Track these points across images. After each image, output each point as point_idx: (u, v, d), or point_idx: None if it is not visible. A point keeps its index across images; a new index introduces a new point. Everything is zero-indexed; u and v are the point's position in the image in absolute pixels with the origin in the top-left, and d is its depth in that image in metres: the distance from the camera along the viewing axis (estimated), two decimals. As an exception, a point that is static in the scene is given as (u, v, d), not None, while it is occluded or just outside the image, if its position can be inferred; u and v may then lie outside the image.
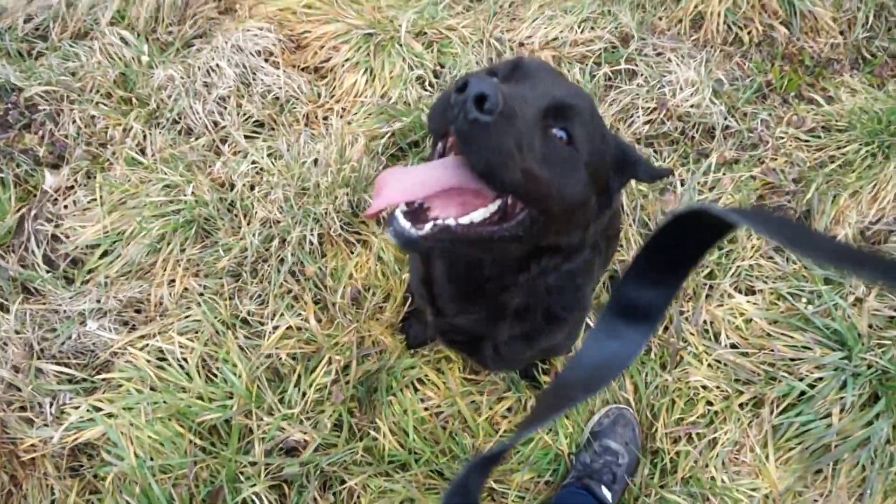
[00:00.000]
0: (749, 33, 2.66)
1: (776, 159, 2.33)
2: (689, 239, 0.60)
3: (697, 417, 1.90)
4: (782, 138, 2.37)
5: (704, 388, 1.93)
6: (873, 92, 2.54)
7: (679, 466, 1.84)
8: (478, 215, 0.88)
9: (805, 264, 2.12)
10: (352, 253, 2.13)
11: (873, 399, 1.91)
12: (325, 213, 2.09)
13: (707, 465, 1.84)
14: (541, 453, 1.85)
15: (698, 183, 2.26)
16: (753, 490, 1.83)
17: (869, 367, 1.94)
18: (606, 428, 1.87)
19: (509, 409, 1.90)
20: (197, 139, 2.33)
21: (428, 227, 0.84)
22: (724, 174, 2.28)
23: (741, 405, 1.93)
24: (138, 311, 2.04)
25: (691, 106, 2.40)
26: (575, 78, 2.45)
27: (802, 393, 1.91)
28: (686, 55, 2.54)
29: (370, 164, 2.19)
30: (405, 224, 0.83)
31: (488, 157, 0.80)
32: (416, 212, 0.85)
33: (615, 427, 1.86)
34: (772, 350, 1.98)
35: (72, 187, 2.27)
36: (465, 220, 0.87)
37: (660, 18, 2.69)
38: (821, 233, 0.49)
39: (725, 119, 2.39)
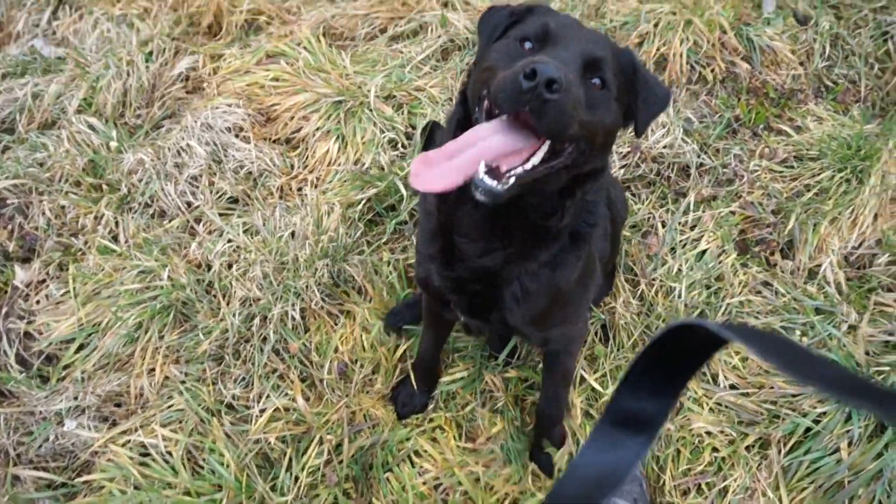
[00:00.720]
0: (712, 71, 2.76)
1: (753, 192, 2.39)
2: (684, 351, 0.61)
3: (705, 466, 1.88)
4: (756, 171, 2.44)
5: (708, 433, 1.92)
6: (839, 118, 2.64)
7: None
8: (536, 158, 1.11)
9: (795, 297, 2.15)
10: (336, 325, 2.12)
11: (880, 429, 1.91)
12: (306, 287, 2.10)
13: (720, 516, 1.81)
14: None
15: (679, 223, 2.30)
16: (771, 538, 1.80)
17: (871, 396, 1.94)
18: None
19: (508, 480, 1.86)
20: (170, 221, 2.35)
21: (511, 180, 1.06)
22: (703, 211, 2.33)
23: (748, 448, 1.91)
24: (118, 405, 2.00)
25: (664, 147, 2.47)
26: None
27: (808, 429, 1.91)
28: (653, 97, 2.62)
29: (348, 231, 2.21)
30: (491, 183, 1.04)
31: (556, 123, 1.04)
32: (493, 170, 1.05)
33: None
34: (772, 387, 1.98)
35: (43, 281, 2.26)
36: (528, 166, 1.10)
37: (623, 63, 2.79)
38: (820, 356, 0.49)
39: (699, 157, 2.47)
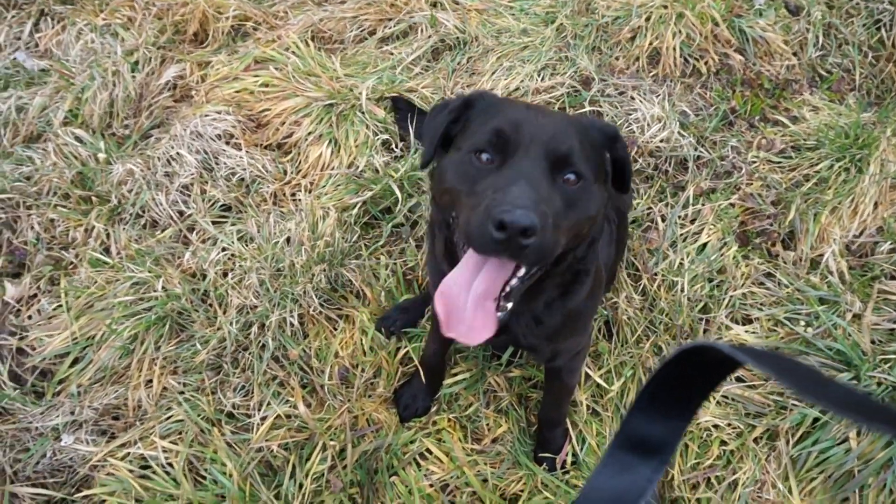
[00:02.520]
0: (706, 63, 2.86)
1: (752, 184, 2.47)
2: (697, 373, 0.62)
3: (714, 460, 1.94)
4: (754, 162, 2.53)
5: (716, 427, 1.98)
6: (835, 107, 2.73)
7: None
8: (522, 270, 1.21)
9: (798, 287, 2.22)
10: (335, 330, 2.18)
11: (888, 417, 1.98)
12: (304, 293, 2.15)
13: (731, 509, 1.87)
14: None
15: (679, 217, 2.38)
16: (782, 529, 1.86)
17: (879, 384, 2.01)
18: None
19: (517, 481, 1.92)
20: (163, 231, 2.40)
21: (510, 305, 1.21)
22: (702, 205, 2.41)
23: (756, 440, 1.98)
24: (116, 419, 2.04)
25: (661, 141, 2.55)
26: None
27: (816, 419, 1.97)
28: (648, 91, 2.72)
29: (344, 236, 2.27)
30: (498, 314, 1.19)
31: (539, 257, 1.10)
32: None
33: (630, 480, 1.89)
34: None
35: (35, 296, 2.30)
36: (520, 274, 1.20)
37: (617, 58, 2.89)
38: (833, 380, 0.51)
39: (696, 150, 2.55)
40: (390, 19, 3.08)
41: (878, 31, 2.97)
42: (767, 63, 2.91)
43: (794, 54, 2.95)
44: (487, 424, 2.02)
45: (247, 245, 2.29)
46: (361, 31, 3.09)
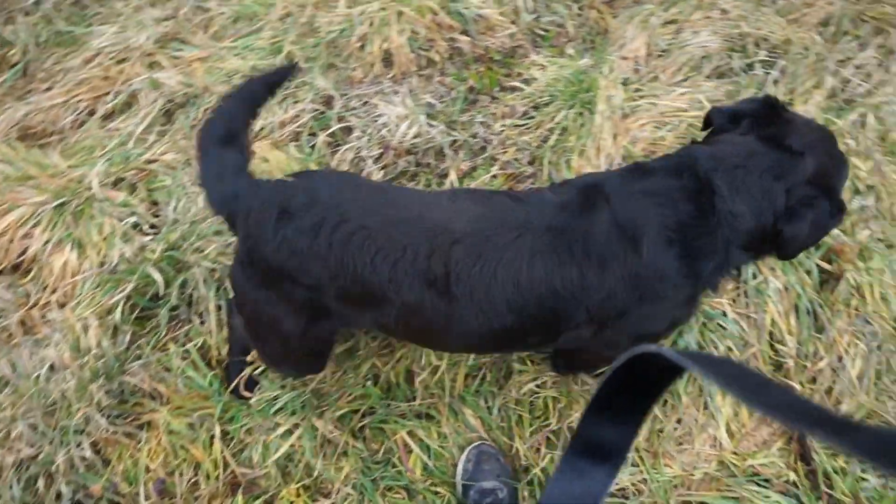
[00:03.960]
0: (437, 52, 3.02)
1: (507, 151, 2.66)
2: (646, 378, 0.65)
3: (546, 418, 2.06)
4: (502, 131, 2.72)
5: (539, 387, 2.11)
6: (558, 61, 3.02)
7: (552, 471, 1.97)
8: None
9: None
10: (139, 443, 2.01)
11: None
12: (87, 420, 1.96)
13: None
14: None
15: (451, 203, 2.49)
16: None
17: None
18: (473, 471, 1.95)
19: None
20: None
21: None
22: (469, 184, 2.55)
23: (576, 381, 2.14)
24: None
25: (414, 137, 2.65)
26: (293, 155, 2.59)
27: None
28: (390, 93, 2.81)
29: (114, 341, 2.10)
30: None
31: None
32: None
33: (481, 466, 1.96)
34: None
35: None
36: None
37: (354, 70, 2.95)
38: (777, 384, 0.53)
39: (448, 136, 2.69)
40: (107, 93, 2.89)
41: (572, -17, 3.33)
42: (491, 37, 3.14)
43: (512, 22, 3.21)
44: (329, 477, 1.98)
45: (3, 390, 2.03)
46: (78, 114, 2.87)
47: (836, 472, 2.07)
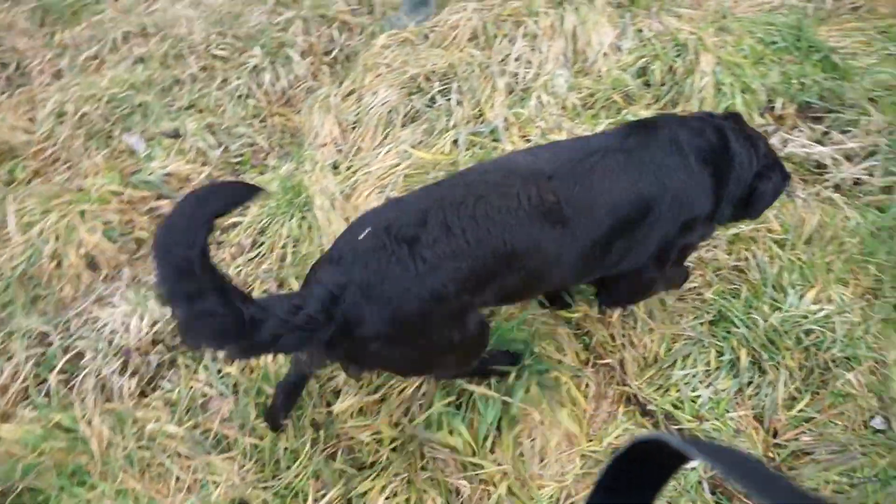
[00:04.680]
0: (141, 228, 2.86)
1: (253, 289, 2.56)
2: (652, 464, 0.65)
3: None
4: (240, 271, 2.63)
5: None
6: (263, 179, 3.01)
7: None
8: None
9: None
10: None
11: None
12: None
13: None
14: None
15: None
16: None
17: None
18: None
19: None
20: None
21: None
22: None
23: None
24: None
25: (152, 325, 2.46)
26: (27, 417, 2.26)
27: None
28: (108, 295, 2.60)
29: None
30: None
31: None
32: None
33: None
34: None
35: None
36: None
37: (61, 290, 2.69)
38: (782, 476, 0.52)
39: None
40: None
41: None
42: (190, 187, 3.06)
43: (204, 164, 3.16)
44: None
45: None
46: None
47: (674, 407, 2.19)
